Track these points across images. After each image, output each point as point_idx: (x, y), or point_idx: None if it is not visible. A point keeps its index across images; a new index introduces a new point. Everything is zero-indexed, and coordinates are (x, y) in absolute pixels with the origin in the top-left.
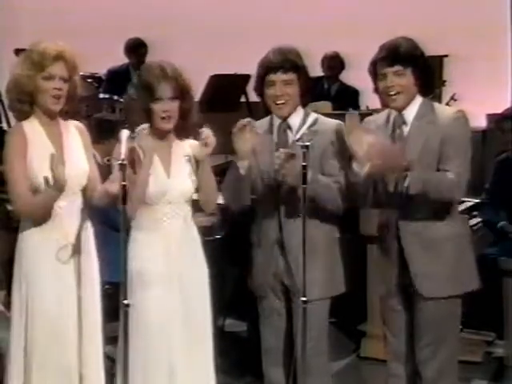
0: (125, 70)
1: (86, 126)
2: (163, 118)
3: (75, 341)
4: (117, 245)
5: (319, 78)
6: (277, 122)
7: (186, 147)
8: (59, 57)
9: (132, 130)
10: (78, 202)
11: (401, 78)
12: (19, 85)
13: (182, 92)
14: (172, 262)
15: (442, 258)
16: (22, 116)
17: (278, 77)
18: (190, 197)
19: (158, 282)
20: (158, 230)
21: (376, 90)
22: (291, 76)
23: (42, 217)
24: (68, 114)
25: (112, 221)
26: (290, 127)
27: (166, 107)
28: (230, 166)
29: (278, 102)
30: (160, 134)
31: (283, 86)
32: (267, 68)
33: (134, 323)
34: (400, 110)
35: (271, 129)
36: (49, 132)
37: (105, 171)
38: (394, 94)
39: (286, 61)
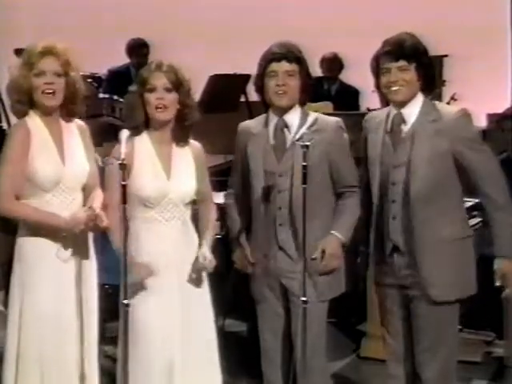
0: (125, 70)
1: (91, 126)
2: (157, 108)
3: (75, 340)
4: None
5: (319, 79)
6: (273, 120)
7: (187, 149)
8: (48, 52)
9: (132, 127)
10: (79, 200)
11: (404, 74)
12: (16, 85)
13: (178, 85)
14: (170, 264)
15: (450, 261)
16: (22, 115)
17: (281, 66)
18: (190, 200)
19: (157, 284)
20: (156, 232)
21: (377, 87)
22: (294, 67)
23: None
24: (73, 113)
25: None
26: (287, 126)
27: (159, 96)
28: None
29: (279, 92)
30: (159, 135)
31: (286, 76)
32: (270, 58)
33: (135, 326)
34: (400, 106)
35: (267, 126)
36: (50, 129)
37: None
38: (396, 89)
39: (290, 52)
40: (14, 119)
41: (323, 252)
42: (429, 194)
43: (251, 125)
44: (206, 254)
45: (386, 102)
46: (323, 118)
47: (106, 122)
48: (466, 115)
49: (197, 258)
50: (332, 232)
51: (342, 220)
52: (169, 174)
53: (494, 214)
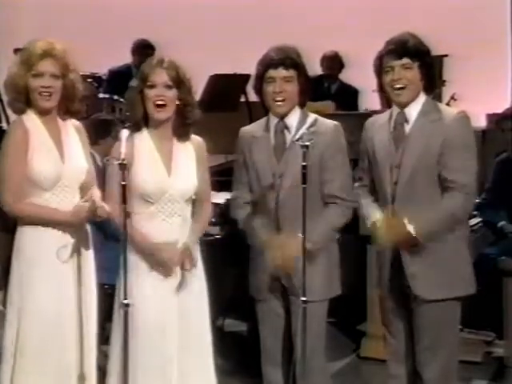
0: (126, 70)
1: (84, 125)
2: (156, 106)
3: (74, 340)
4: (114, 248)
5: (319, 77)
6: (274, 121)
7: (188, 145)
8: (47, 54)
9: (132, 125)
10: (77, 199)
11: (408, 72)
12: (13, 83)
13: (178, 82)
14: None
15: (439, 260)
16: (20, 113)
17: (279, 73)
18: (190, 196)
19: (154, 281)
20: (156, 228)
21: (380, 87)
22: (291, 73)
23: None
24: (69, 114)
25: (107, 230)
26: (287, 127)
27: (159, 92)
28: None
29: (277, 99)
30: (159, 132)
31: (283, 82)
32: (268, 64)
33: (132, 323)
34: (403, 106)
35: (268, 129)
36: (48, 128)
37: (104, 171)
38: (400, 88)
39: (287, 58)
40: (13, 119)
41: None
42: (415, 194)
43: (252, 129)
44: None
45: (386, 103)
46: (322, 120)
47: (99, 118)
48: (464, 118)
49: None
50: (299, 234)
51: (314, 226)
52: (169, 170)
53: (446, 210)
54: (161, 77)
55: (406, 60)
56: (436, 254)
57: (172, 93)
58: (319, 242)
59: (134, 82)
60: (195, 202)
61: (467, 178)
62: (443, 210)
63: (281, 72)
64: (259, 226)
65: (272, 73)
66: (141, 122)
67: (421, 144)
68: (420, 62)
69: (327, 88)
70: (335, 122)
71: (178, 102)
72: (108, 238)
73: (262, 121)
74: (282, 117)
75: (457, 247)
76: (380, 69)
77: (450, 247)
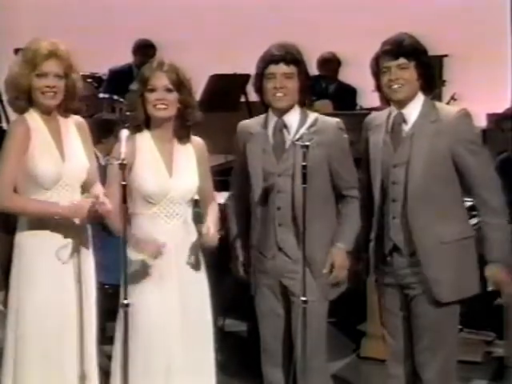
0: (127, 70)
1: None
2: (155, 106)
3: (74, 340)
4: (114, 247)
5: (316, 77)
6: (272, 120)
7: (189, 146)
8: (52, 54)
9: (132, 126)
10: (77, 198)
11: (404, 72)
12: (15, 83)
13: (178, 85)
14: (171, 262)
15: (450, 261)
16: (21, 111)
17: (279, 68)
18: (192, 197)
19: (156, 282)
20: (157, 229)
21: (378, 88)
22: (292, 69)
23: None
24: (68, 112)
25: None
26: (285, 126)
27: (160, 96)
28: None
29: (277, 94)
30: (160, 133)
31: (284, 79)
32: (269, 60)
33: (134, 325)
34: (400, 105)
35: (266, 126)
36: (48, 126)
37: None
38: (397, 87)
39: (288, 54)
40: (13, 119)
41: (332, 266)
42: (427, 194)
43: (250, 124)
44: (210, 226)
45: (386, 101)
46: (323, 118)
47: (101, 117)
48: (466, 115)
49: (199, 233)
50: (337, 244)
51: (345, 229)
52: (171, 171)
53: (487, 217)
54: (161, 80)
55: (402, 60)
56: (448, 256)
57: (173, 96)
58: (353, 242)
59: (134, 86)
60: (201, 203)
61: (490, 181)
62: (490, 221)
63: (281, 68)
64: (240, 248)
65: (273, 68)
66: (142, 124)
67: (427, 143)
68: (416, 61)
69: (325, 88)
70: (337, 119)
71: (178, 105)
72: (113, 235)
73: (261, 117)
74: (281, 115)
75: (466, 247)
76: (377, 70)
77: (459, 248)
